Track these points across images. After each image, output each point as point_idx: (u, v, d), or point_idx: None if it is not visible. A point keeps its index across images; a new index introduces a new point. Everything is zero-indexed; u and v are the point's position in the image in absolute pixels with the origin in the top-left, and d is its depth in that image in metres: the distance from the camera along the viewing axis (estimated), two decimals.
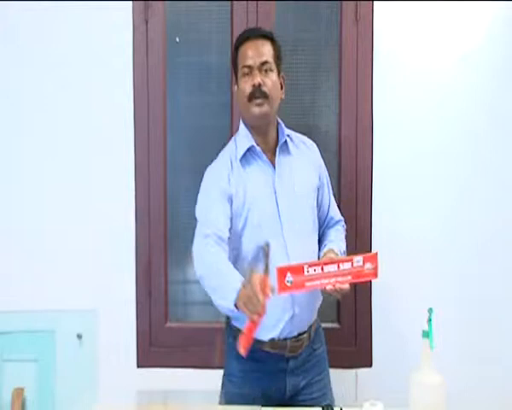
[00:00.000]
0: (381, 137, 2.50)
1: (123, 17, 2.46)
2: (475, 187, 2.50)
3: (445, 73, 2.48)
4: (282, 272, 1.75)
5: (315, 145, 2.16)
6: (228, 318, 2.06)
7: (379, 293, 2.51)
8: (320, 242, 2.10)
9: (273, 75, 1.97)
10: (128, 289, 2.51)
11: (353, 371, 2.54)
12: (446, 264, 2.50)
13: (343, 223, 2.22)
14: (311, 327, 2.05)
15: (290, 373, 2.01)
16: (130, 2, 2.46)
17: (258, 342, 1.93)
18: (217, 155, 2.08)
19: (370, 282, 2.50)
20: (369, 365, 2.54)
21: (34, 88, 2.48)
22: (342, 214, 2.32)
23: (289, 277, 1.76)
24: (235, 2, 2.47)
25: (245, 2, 2.47)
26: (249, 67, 1.94)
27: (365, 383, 2.53)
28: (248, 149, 1.99)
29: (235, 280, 1.74)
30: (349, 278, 1.79)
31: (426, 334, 1.72)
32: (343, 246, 2.11)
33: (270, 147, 2.03)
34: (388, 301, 2.50)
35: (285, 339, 1.97)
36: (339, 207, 2.51)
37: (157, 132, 2.51)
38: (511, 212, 2.50)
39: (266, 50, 1.97)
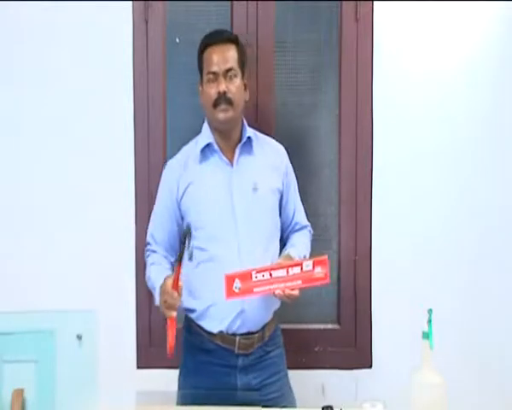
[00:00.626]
0: (381, 137, 2.50)
1: (123, 17, 2.45)
2: (475, 187, 2.50)
3: (446, 73, 2.49)
4: (230, 278, 1.80)
5: (283, 149, 2.18)
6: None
7: (379, 294, 2.51)
8: (283, 246, 2.11)
9: (237, 80, 2.01)
10: (128, 290, 2.50)
11: (353, 371, 2.54)
12: (446, 264, 2.51)
13: (310, 228, 2.24)
14: (264, 328, 2.06)
15: (241, 371, 2.03)
16: (130, 2, 2.46)
17: (209, 333, 2.03)
18: None
19: (370, 283, 2.51)
20: (369, 366, 2.54)
21: (34, 88, 2.47)
22: (341, 217, 2.32)
23: (237, 283, 1.79)
24: (234, 2, 2.47)
25: (245, 2, 2.47)
26: (214, 73, 1.99)
27: (365, 383, 2.52)
28: (208, 146, 2.04)
29: (158, 284, 1.92)
30: (299, 282, 1.81)
31: (426, 335, 1.72)
32: (304, 250, 2.10)
33: (232, 147, 2.06)
34: (388, 302, 2.49)
35: (234, 334, 2.00)
36: (338, 207, 2.52)
37: (157, 133, 2.50)
38: None
39: (231, 56, 2.01)
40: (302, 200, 2.23)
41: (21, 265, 2.48)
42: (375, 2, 2.46)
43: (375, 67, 2.48)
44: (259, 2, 2.47)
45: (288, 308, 2.56)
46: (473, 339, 2.49)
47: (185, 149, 2.14)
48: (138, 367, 2.54)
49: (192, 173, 2.04)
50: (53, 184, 2.48)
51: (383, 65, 2.47)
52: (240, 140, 2.07)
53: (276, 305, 2.09)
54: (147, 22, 2.47)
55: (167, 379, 2.47)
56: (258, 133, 2.13)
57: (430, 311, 1.73)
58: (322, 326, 2.56)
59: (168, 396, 2.45)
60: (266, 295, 1.95)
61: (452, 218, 2.51)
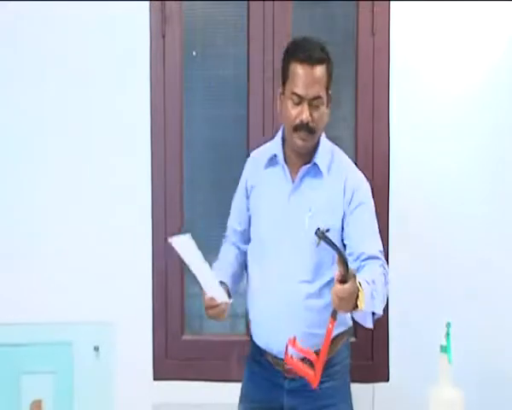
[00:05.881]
0: (398, 150, 2.49)
1: (140, 31, 2.48)
2: (495, 203, 2.48)
3: (463, 86, 2.47)
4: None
5: (358, 176, 1.99)
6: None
7: (396, 306, 2.49)
8: None
9: (322, 108, 1.89)
10: (144, 302, 2.51)
11: (370, 385, 2.52)
12: (465, 277, 2.48)
13: (380, 262, 1.88)
14: None
15: (288, 393, 1.98)
16: (148, 16, 2.48)
17: (261, 348, 2.02)
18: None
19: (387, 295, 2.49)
20: (386, 379, 2.52)
21: (52, 104, 2.50)
22: None
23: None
24: (251, 17, 2.48)
25: (261, 17, 2.48)
26: (300, 96, 1.85)
27: (382, 397, 2.51)
28: (275, 156, 1.98)
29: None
30: None
31: (444, 348, 1.71)
32: (376, 286, 1.77)
33: (300, 164, 1.94)
34: (405, 315, 2.48)
35: (279, 358, 1.91)
36: None
37: (174, 146, 2.52)
38: None
39: (320, 80, 1.86)
40: None
41: (39, 277, 2.50)
42: (391, 15, 2.47)
43: (392, 81, 2.48)
44: (276, 16, 2.48)
45: None
46: (492, 353, 2.46)
47: (267, 145, 2.07)
48: (155, 379, 2.54)
49: (258, 177, 2.02)
50: (71, 196, 2.50)
51: (399, 78, 2.47)
52: (310, 160, 1.93)
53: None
54: (164, 36, 2.49)
55: (184, 391, 2.48)
56: (339, 156, 2.00)
57: (448, 324, 1.73)
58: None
59: (184, 408, 2.46)
60: (314, 320, 1.89)
61: (470, 229, 2.49)
